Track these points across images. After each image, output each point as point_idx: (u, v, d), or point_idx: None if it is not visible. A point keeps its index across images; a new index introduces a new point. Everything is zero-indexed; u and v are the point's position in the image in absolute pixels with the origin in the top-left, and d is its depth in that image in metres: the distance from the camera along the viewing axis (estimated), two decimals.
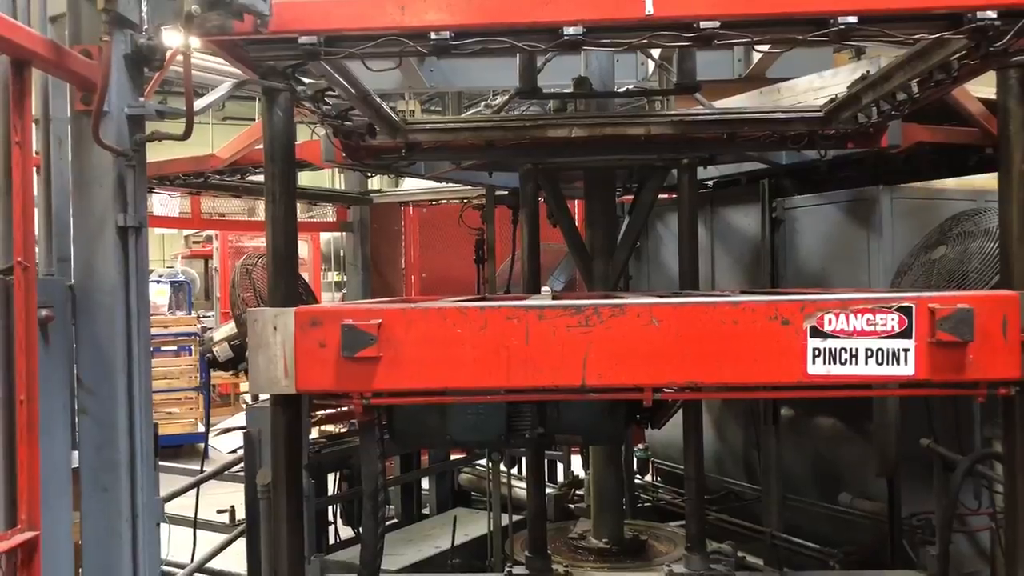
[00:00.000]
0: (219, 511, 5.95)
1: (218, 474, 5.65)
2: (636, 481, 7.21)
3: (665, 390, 3.01)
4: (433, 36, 2.78)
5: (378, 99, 3.94)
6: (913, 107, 3.74)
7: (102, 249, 2.87)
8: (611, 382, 2.90)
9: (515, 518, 5.80)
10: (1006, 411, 2.96)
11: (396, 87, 7.53)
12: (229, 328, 5.08)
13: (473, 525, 6.20)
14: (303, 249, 15.24)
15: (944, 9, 2.73)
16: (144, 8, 2.95)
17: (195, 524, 5.60)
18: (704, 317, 2.87)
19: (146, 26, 2.90)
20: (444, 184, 7.44)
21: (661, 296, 3.32)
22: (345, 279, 12.31)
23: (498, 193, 6.35)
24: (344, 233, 9.11)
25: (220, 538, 5.54)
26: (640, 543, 5.53)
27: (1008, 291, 2.88)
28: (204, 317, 15.36)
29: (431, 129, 4.48)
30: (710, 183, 6.28)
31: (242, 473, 4.99)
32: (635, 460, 7.15)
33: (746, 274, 6.06)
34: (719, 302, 2.93)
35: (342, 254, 16.16)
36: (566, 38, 2.76)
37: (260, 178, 6.80)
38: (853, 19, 2.69)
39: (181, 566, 5.66)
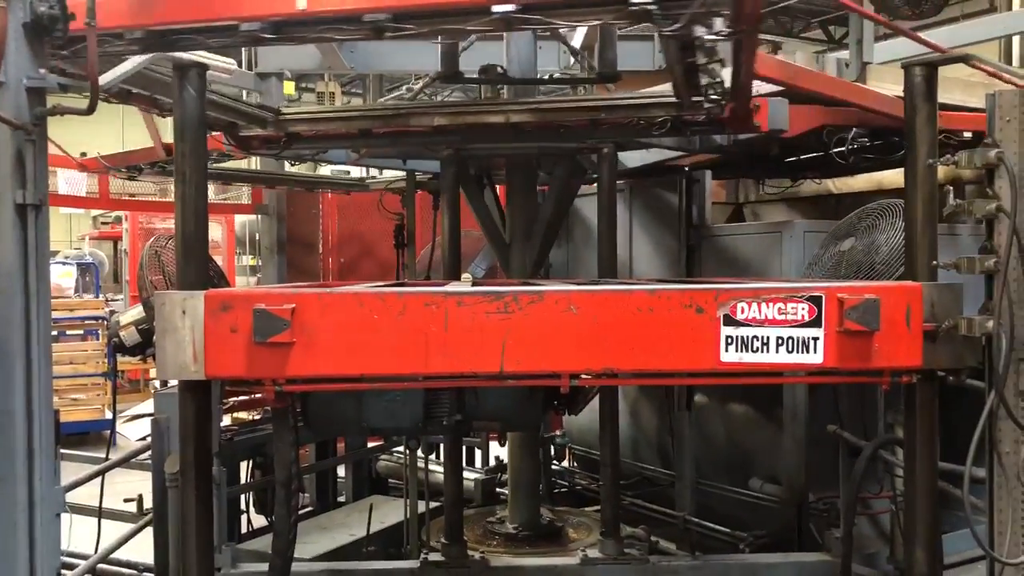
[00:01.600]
0: (126, 500, 5.77)
1: (124, 462, 5.47)
2: (553, 467, 7.27)
3: (582, 376, 3.03)
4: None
5: (219, 95, 3.94)
6: (739, 93, 3.70)
7: None
8: (529, 368, 2.91)
9: (434, 505, 5.79)
10: (907, 398, 3.06)
11: (316, 68, 7.38)
12: (137, 312, 4.91)
13: (390, 513, 6.15)
14: (216, 232, 14.87)
15: None
16: None
17: (99, 514, 5.42)
18: (621, 304, 2.90)
19: None
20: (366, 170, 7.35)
21: (579, 283, 3.33)
22: (260, 263, 12.08)
23: (419, 178, 6.29)
24: (259, 216, 8.90)
25: (127, 528, 5.36)
26: (556, 528, 5.59)
27: (912, 282, 2.98)
28: (112, 300, 14.87)
29: (302, 119, 4.52)
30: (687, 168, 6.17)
31: (150, 461, 4.84)
32: (552, 446, 7.21)
33: (668, 258, 6.11)
34: (635, 290, 2.96)
35: (257, 237, 15.83)
36: (242, 33, 2.86)
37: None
38: (510, 7, 2.73)
39: (85, 557, 5.47)
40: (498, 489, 6.68)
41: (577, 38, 6.54)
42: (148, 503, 5.38)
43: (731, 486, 5.70)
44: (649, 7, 2.68)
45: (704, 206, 5.58)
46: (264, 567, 4.52)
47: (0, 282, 2.70)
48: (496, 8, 2.70)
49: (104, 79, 2.78)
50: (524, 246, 5.30)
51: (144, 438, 10.22)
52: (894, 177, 6.20)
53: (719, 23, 2.72)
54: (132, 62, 2.89)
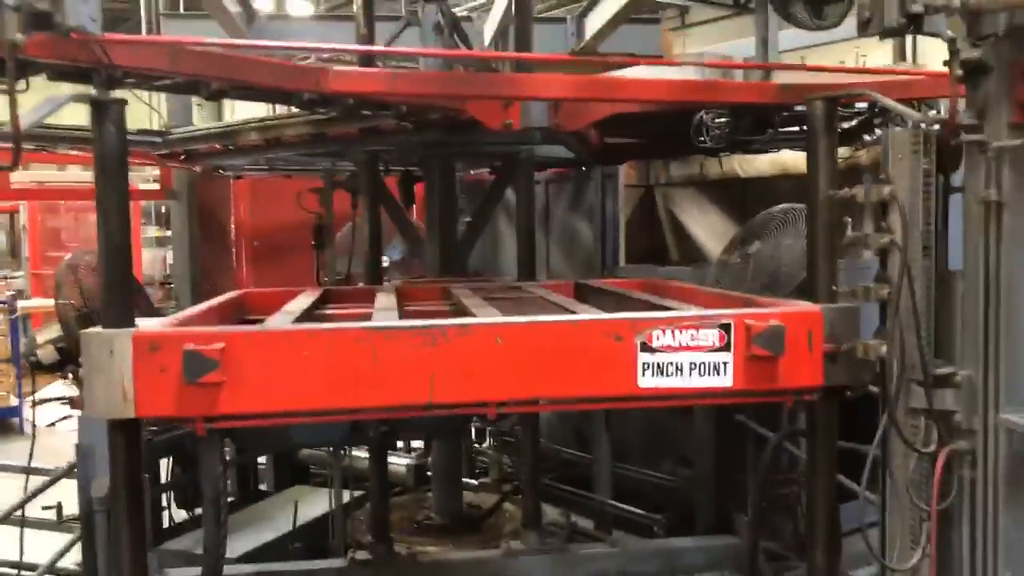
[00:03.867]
0: (44, 508, 5.68)
1: (52, 484, 5.30)
2: (475, 447, 7.43)
3: (509, 404, 3.15)
4: None
5: None
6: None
7: None
8: (458, 399, 3.00)
9: (360, 493, 5.86)
10: (809, 415, 3.29)
11: None
12: (54, 330, 4.81)
13: (315, 503, 6.19)
14: None
15: None
16: None
17: (22, 523, 5.29)
18: (545, 335, 3.01)
19: None
20: None
21: (505, 315, 3.43)
22: (169, 234, 11.79)
23: (336, 177, 6.27)
24: (170, 200, 8.70)
25: (45, 535, 5.29)
26: (479, 516, 5.76)
27: (813, 307, 3.18)
28: (11, 278, 14.26)
29: (183, 139, 5.25)
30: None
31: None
32: (473, 429, 7.35)
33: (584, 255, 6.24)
34: (559, 321, 3.10)
35: (164, 209, 15.37)
36: None
37: None
38: None
39: (4, 564, 5.41)
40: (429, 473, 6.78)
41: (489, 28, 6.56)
42: (67, 510, 5.33)
43: (647, 469, 5.94)
44: None
45: (617, 208, 5.71)
46: (190, 571, 4.58)
47: None
48: None
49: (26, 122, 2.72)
50: (437, 241, 5.34)
51: (53, 423, 9.97)
52: (797, 161, 6.47)
53: None
54: (52, 102, 2.83)
